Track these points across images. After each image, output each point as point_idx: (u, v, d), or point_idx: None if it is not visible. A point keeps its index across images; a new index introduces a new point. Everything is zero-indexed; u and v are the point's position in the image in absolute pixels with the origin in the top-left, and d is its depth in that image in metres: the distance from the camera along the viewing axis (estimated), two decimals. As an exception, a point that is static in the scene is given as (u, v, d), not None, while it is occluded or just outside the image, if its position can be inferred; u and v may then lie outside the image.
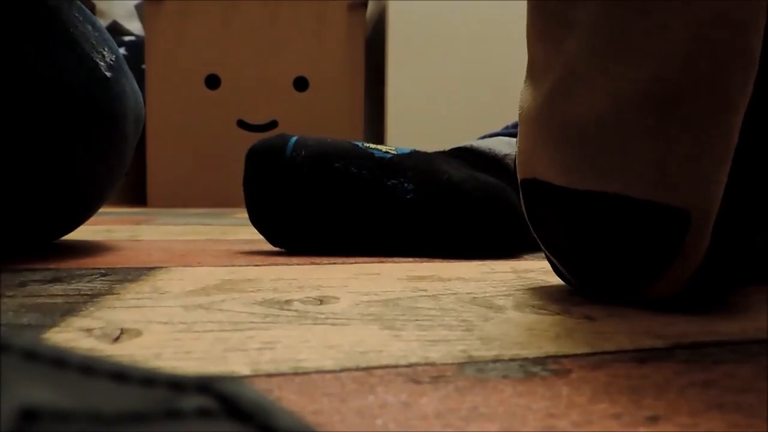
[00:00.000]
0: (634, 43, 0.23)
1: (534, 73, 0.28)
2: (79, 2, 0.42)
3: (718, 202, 0.23)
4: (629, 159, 0.23)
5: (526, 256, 0.44)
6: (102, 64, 0.39)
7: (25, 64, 0.35)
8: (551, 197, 0.26)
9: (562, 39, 0.25)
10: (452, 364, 0.18)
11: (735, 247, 0.24)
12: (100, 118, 0.39)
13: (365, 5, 1.49)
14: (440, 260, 0.42)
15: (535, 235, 0.29)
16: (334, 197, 0.43)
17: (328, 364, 0.18)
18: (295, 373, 0.17)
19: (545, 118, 0.26)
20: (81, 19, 0.40)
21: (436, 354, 0.19)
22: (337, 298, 0.28)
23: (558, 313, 0.25)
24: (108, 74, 0.40)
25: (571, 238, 0.26)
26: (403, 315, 0.24)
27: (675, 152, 0.23)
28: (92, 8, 1.68)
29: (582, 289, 0.29)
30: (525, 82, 0.29)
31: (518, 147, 0.29)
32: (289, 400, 0.15)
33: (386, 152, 0.45)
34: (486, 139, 0.52)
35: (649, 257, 0.24)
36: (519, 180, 0.29)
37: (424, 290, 0.30)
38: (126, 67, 0.44)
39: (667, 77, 0.22)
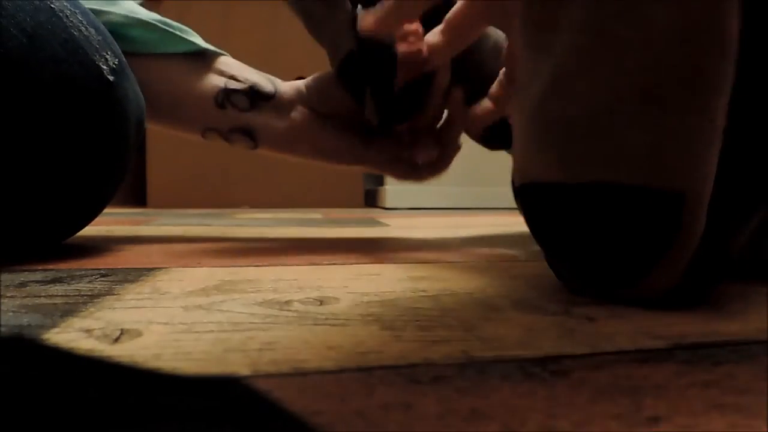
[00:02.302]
0: (619, 37, 0.24)
1: (523, 83, 0.28)
2: (83, 6, 0.42)
3: (711, 183, 0.23)
4: (623, 148, 0.24)
5: (526, 257, 0.44)
6: (105, 68, 0.40)
7: (26, 68, 0.35)
8: (550, 197, 0.27)
9: (550, 43, 0.26)
10: (452, 364, 0.18)
11: (730, 228, 0.25)
12: (102, 122, 0.39)
13: (365, 6, 1.49)
14: (440, 261, 0.42)
15: (536, 240, 0.29)
16: None
17: (328, 365, 0.18)
18: (295, 374, 0.17)
19: (538, 120, 0.27)
20: (84, 22, 0.40)
21: (436, 354, 0.19)
22: (337, 299, 0.28)
23: (558, 314, 0.25)
24: (111, 78, 0.40)
25: (570, 234, 0.27)
26: (403, 315, 0.24)
27: (666, 138, 0.23)
28: (92, 9, 1.68)
29: (583, 291, 0.29)
30: (518, 89, 0.29)
31: (513, 157, 0.29)
32: (289, 400, 0.15)
33: None
34: None
35: (647, 243, 0.25)
36: (517, 188, 0.29)
37: (424, 290, 0.30)
38: (129, 71, 0.44)
39: (651, 66, 0.23)
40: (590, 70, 0.24)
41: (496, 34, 0.50)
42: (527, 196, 0.29)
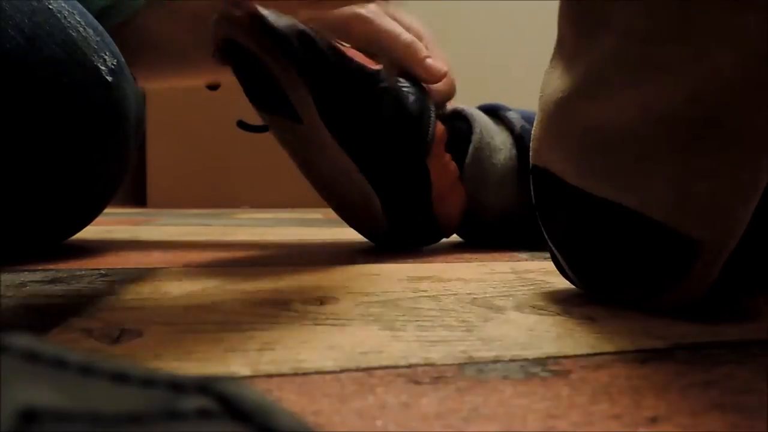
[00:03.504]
0: (671, 61, 0.22)
1: (562, 54, 0.26)
2: (81, 6, 0.41)
3: (735, 240, 0.22)
4: (650, 177, 0.22)
5: (526, 257, 0.44)
6: (103, 68, 0.39)
7: (25, 70, 0.35)
8: (562, 193, 0.26)
9: (594, 33, 0.24)
10: (452, 364, 0.18)
11: (748, 279, 0.24)
12: (101, 123, 0.39)
13: (365, 6, 1.49)
14: (440, 261, 0.42)
15: (541, 225, 0.29)
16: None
17: (328, 365, 0.18)
18: (295, 374, 0.17)
19: (566, 114, 0.25)
20: (82, 23, 0.40)
21: (436, 355, 0.19)
22: (338, 299, 0.28)
23: (558, 314, 0.25)
24: (109, 79, 0.40)
25: (578, 238, 0.26)
26: (403, 315, 0.24)
27: (698, 181, 0.22)
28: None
29: (583, 290, 0.29)
30: (551, 62, 0.27)
31: (533, 132, 0.28)
32: (289, 400, 0.15)
33: None
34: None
35: (655, 276, 0.24)
36: (530, 165, 0.28)
37: (425, 291, 0.30)
38: (127, 71, 0.44)
39: (703, 101, 0.21)
40: (631, 84, 0.23)
41: None
42: (539, 179, 0.28)
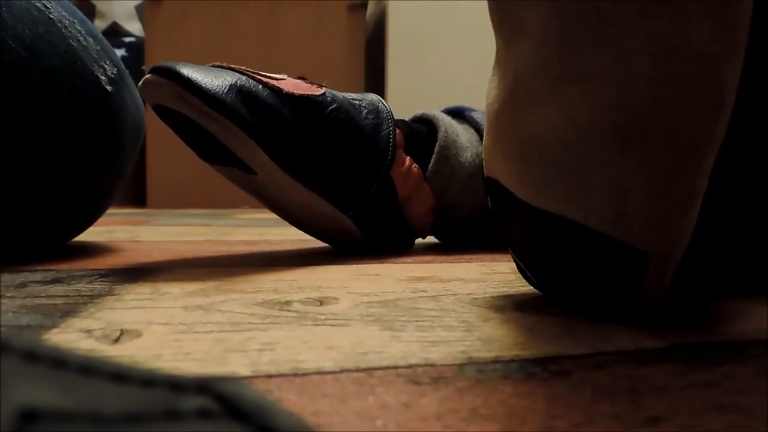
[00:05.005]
0: (590, 66, 0.20)
1: (497, 63, 0.26)
2: (81, 15, 0.42)
3: (682, 248, 0.21)
4: (589, 188, 0.21)
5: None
6: (103, 78, 0.40)
7: (25, 81, 0.35)
8: (512, 205, 0.25)
9: (515, 40, 0.23)
10: (452, 365, 0.18)
11: (709, 284, 0.23)
12: (100, 131, 0.39)
13: (365, 6, 1.49)
14: (440, 261, 0.42)
15: (501, 234, 0.28)
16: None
17: (328, 365, 0.18)
18: (295, 374, 0.17)
19: (504, 126, 0.24)
20: (83, 32, 0.40)
21: (436, 355, 0.19)
22: (337, 299, 0.28)
23: (558, 314, 0.25)
24: (109, 88, 0.40)
25: (534, 249, 0.25)
26: (403, 316, 0.24)
27: (633, 189, 0.20)
28: (92, 9, 1.69)
29: (546, 297, 0.28)
30: (493, 69, 0.26)
31: (484, 143, 0.27)
32: (289, 400, 0.15)
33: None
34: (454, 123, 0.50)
35: (610, 286, 0.23)
36: (485, 175, 0.28)
37: (424, 291, 0.30)
38: (128, 78, 0.44)
39: (628, 105, 0.20)
40: (553, 91, 0.21)
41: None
42: (492, 190, 0.27)
